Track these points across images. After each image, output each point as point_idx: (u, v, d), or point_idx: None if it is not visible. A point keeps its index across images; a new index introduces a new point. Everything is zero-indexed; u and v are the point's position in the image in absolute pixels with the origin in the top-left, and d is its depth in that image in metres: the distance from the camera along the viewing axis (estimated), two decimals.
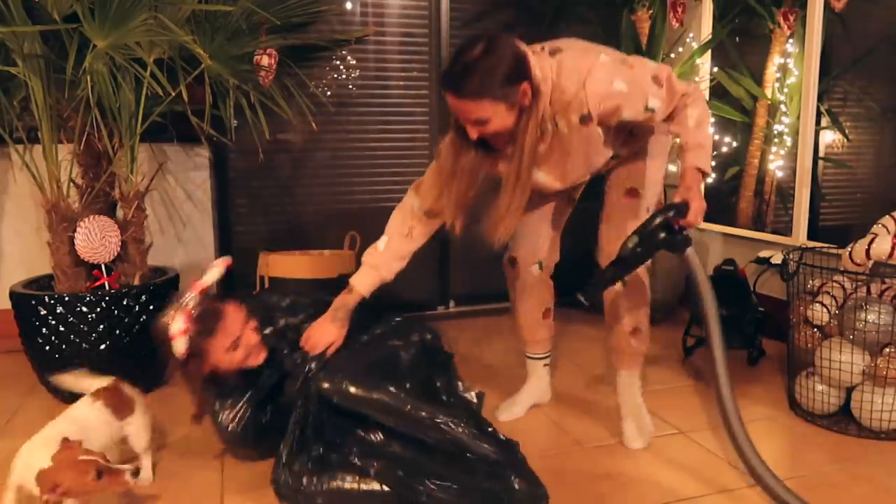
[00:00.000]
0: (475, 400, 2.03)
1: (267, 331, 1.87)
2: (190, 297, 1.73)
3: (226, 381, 1.80)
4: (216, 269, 1.79)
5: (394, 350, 1.86)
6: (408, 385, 1.78)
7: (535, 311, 2.21)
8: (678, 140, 1.79)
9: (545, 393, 2.33)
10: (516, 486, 1.61)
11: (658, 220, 1.61)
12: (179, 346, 1.70)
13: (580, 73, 1.64)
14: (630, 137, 1.89)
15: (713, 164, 3.38)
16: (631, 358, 2.09)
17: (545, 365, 2.30)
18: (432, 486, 1.60)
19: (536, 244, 2.11)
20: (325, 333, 1.84)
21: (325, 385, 1.69)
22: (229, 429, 1.81)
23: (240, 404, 1.81)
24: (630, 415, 2.08)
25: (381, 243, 1.89)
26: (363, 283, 1.88)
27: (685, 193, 1.66)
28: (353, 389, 1.68)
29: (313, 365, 1.78)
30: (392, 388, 1.70)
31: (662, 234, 1.61)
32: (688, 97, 1.74)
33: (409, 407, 1.67)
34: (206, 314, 1.73)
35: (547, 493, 1.65)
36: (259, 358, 1.81)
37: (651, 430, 2.07)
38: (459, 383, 2.04)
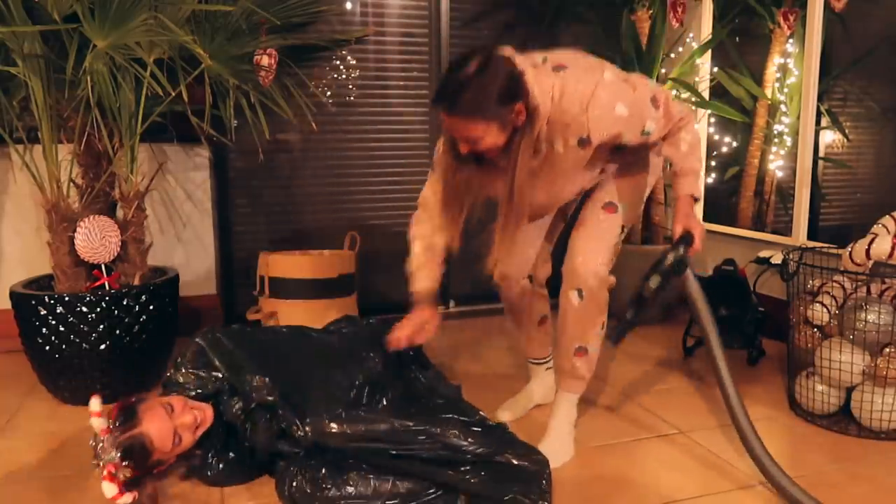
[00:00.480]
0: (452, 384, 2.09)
1: (206, 375, 1.84)
2: (101, 444, 1.59)
3: (192, 453, 1.77)
4: (95, 415, 1.63)
5: (366, 369, 1.89)
6: (390, 395, 1.84)
7: (531, 322, 2.20)
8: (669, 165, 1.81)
9: (548, 393, 2.30)
10: (515, 462, 1.66)
11: (671, 259, 1.68)
12: (128, 499, 1.57)
13: (583, 95, 1.63)
14: (618, 154, 1.87)
15: (713, 164, 3.42)
16: (571, 381, 1.98)
17: (547, 368, 2.30)
18: (444, 471, 1.64)
19: (526, 262, 2.08)
20: (412, 319, 1.87)
21: (308, 429, 1.68)
22: (225, 478, 1.79)
23: (215, 456, 1.79)
24: (552, 437, 1.95)
25: (416, 247, 1.89)
26: (422, 283, 1.88)
27: (685, 221, 1.72)
28: (335, 427, 1.67)
29: (287, 412, 1.73)
30: (374, 416, 1.71)
31: (670, 264, 1.69)
32: (682, 120, 1.75)
33: (396, 425, 1.67)
34: (130, 449, 1.60)
35: (546, 458, 1.70)
36: (207, 419, 1.76)
37: (568, 457, 1.94)
38: (433, 371, 2.09)
